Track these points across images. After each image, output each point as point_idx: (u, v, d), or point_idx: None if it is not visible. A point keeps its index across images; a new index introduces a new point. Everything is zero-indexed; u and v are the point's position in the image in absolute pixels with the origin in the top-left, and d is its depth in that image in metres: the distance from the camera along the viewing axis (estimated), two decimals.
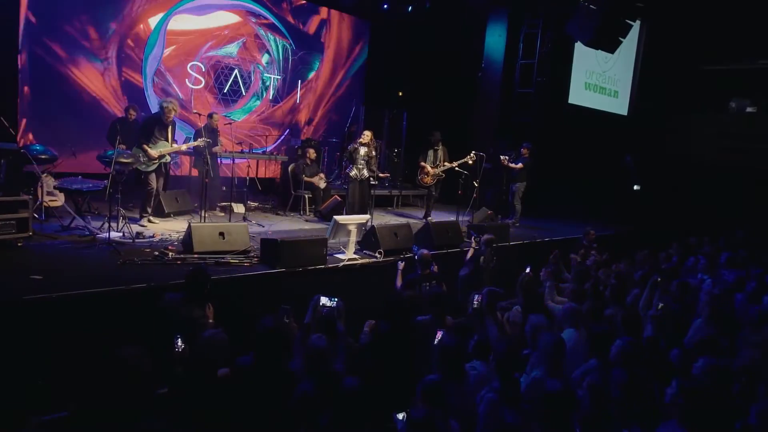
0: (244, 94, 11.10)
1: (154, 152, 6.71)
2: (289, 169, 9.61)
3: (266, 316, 3.71)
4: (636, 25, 15.74)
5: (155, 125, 6.79)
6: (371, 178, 8.55)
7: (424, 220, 10.18)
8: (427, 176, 10.04)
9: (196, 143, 6.97)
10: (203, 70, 10.47)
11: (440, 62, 13.16)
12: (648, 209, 13.58)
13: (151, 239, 6.45)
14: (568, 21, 11.01)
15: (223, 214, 8.61)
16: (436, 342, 3.93)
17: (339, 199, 9.17)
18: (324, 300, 4.04)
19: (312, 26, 12.14)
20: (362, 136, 8.58)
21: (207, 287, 4.45)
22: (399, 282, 5.93)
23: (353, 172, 8.48)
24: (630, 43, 15.82)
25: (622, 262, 7.95)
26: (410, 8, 13.10)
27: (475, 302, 4.44)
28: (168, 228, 7.22)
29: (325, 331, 3.87)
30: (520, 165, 10.74)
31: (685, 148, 15.49)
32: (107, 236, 6.06)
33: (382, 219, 9.82)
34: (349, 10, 12.48)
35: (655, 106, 16.32)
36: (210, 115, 8.40)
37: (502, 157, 10.65)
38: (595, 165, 14.52)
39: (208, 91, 10.59)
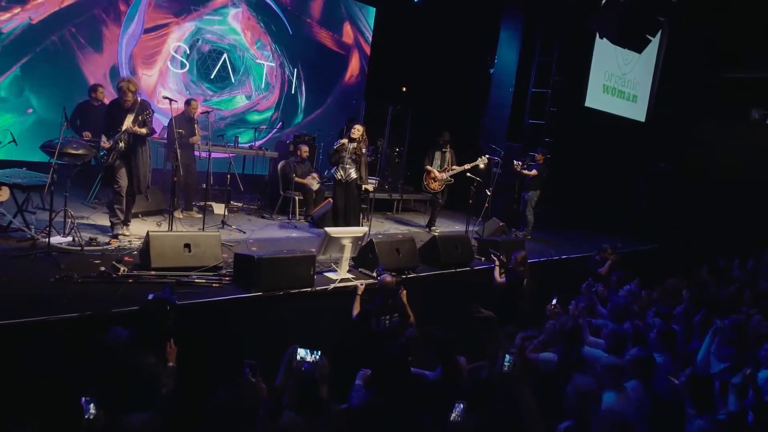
0: (233, 81, 10.02)
1: (105, 141, 5.59)
2: (279, 167, 8.55)
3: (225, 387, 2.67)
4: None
5: (114, 110, 5.71)
6: (358, 180, 7.28)
7: (427, 230, 9.17)
8: (435, 181, 9.01)
9: (141, 130, 5.72)
10: (188, 52, 9.39)
11: (449, 57, 12.12)
12: (668, 224, 12.58)
13: (105, 247, 5.39)
14: (591, 16, 10.03)
15: (200, 215, 7.54)
16: (453, 418, 2.89)
17: (333, 202, 8.13)
18: (302, 353, 2.99)
19: (314, 9, 11.04)
20: (352, 131, 7.27)
21: (168, 322, 3.43)
22: (355, 311, 4.83)
23: (338, 174, 7.21)
24: (651, 46, 14.84)
25: (654, 291, 6.93)
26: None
27: (506, 365, 3.37)
28: (133, 232, 6.17)
29: (302, 399, 2.83)
30: (534, 172, 9.73)
31: (707, 159, 14.46)
32: (50, 241, 4.99)
33: (381, 227, 8.79)
34: None
35: (674, 113, 15.31)
36: (187, 102, 7.34)
37: (515, 162, 9.63)
38: (612, 174, 13.56)
39: (193, 75, 9.51)
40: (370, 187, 7.53)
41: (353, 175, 7.20)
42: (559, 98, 12.33)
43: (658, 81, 15.43)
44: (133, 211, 6.86)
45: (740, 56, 14.25)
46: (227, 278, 4.82)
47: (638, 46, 10.26)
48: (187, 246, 4.84)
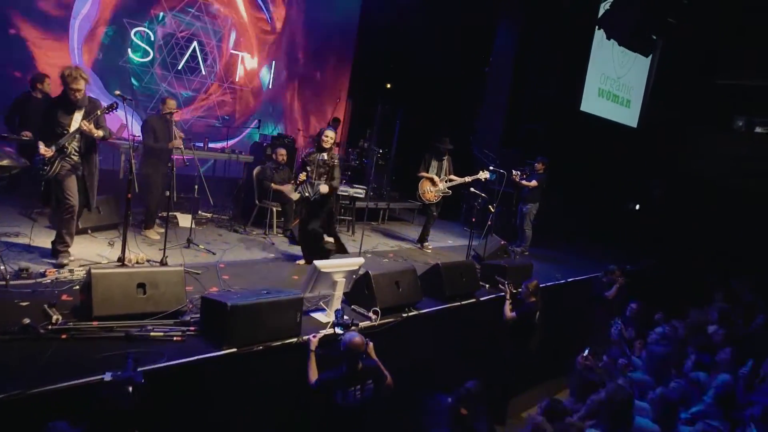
0: (203, 72, 8.91)
1: (44, 148, 4.49)
2: (254, 172, 7.53)
3: None
4: None
5: (58, 108, 4.62)
6: (329, 195, 5.86)
7: (419, 245, 8.28)
8: (431, 192, 8.11)
9: (97, 131, 4.64)
10: (152, 38, 8.25)
11: (441, 53, 11.20)
12: (667, 238, 11.95)
13: (38, 280, 4.32)
14: (601, 16, 9.29)
15: (162, 230, 6.49)
16: None
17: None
18: None
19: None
20: (322, 139, 5.86)
21: (131, 408, 2.54)
22: (312, 376, 3.79)
23: (306, 191, 5.86)
24: None
25: (682, 325, 6.16)
26: None
27: None
28: (79, 254, 5.10)
29: None
30: (534, 183, 8.93)
31: (703, 169, 13.90)
32: None
33: (369, 242, 7.86)
34: None
35: (666, 120, 14.76)
36: (162, 101, 6.23)
37: (514, 172, 8.78)
38: (607, 184, 12.91)
39: (157, 65, 8.38)
40: (324, 188, 5.75)
41: (323, 190, 5.79)
42: (557, 102, 11.62)
43: (651, 86, 14.92)
44: (81, 227, 5.82)
45: (731, 62, 13.74)
46: (192, 328, 3.81)
47: (645, 49, 9.66)
48: (142, 286, 3.81)
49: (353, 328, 3.83)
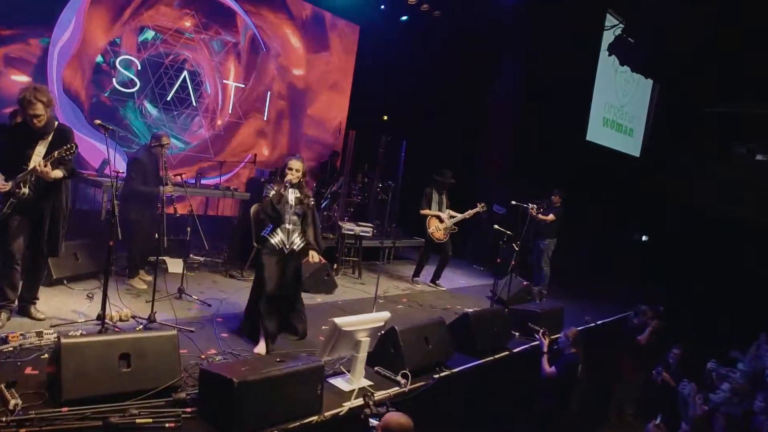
0: (194, 104, 8.27)
1: (2, 183, 3.76)
2: (252, 211, 6.76)
3: None
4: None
5: (17, 137, 3.89)
6: (306, 246, 4.52)
7: (432, 285, 7.61)
8: (439, 230, 7.49)
9: (55, 172, 3.87)
10: (139, 68, 7.61)
11: (442, 83, 10.72)
12: (683, 271, 11.30)
13: (2, 345, 3.54)
14: (613, 42, 8.90)
15: (149, 278, 5.72)
16: None
17: (323, 260, 6.45)
18: None
19: (291, 26, 9.44)
20: (287, 170, 4.50)
21: None
22: None
23: (275, 238, 4.42)
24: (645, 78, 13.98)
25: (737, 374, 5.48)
26: (405, 18, 10.72)
27: None
28: (51, 311, 4.33)
29: None
30: (551, 216, 8.32)
31: (705, 199, 13.38)
32: None
33: (381, 287, 7.13)
34: (338, 11, 9.87)
35: (667, 149, 14.36)
36: (155, 137, 5.44)
37: (530, 206, 8.16)
38: (612, 215, 12.36)
39: (144, 96, 7.72)
40: (317, 258, 4.61)
41: (297, 240, 4.46)
42: (562, 132, 11.18)
43: (653, 114, 14.61)
44: (55, 277, 5.06)
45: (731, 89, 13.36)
46: (189, 409, 3.05)
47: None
48: (125, 358, 3.06)
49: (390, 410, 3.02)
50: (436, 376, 4.33)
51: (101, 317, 4.13)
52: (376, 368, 4.16)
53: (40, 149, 3.86)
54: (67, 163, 3.96)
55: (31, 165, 3.82)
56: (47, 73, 6.75)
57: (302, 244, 4.47)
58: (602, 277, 10.50)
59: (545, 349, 5.39)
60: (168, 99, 7.95)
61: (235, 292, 5.86)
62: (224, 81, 8.58)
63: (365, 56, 10.51)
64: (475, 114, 11.24)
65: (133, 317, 4.48)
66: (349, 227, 7.31)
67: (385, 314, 4.02)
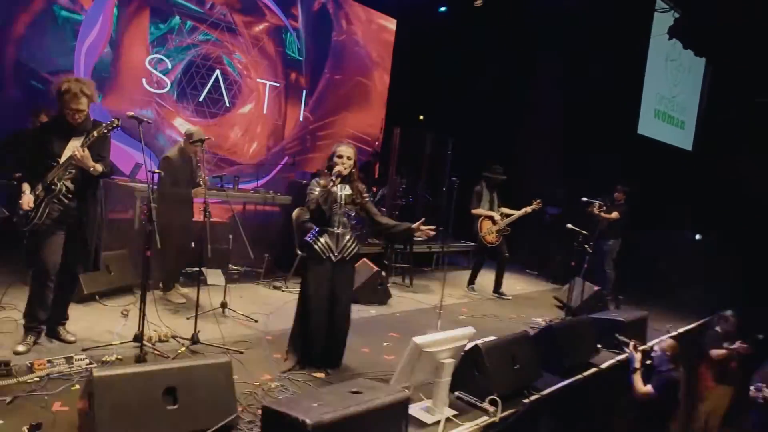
0: (227, 104, 7.78)
1: (27, 197, 3.32)
2: (294, 215, 6.27)
3: None
4: None
5: (50, 134, 3.41)
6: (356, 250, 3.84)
7: (495, 295, 6.98)
8: (492, 233, 6.86)
9: (96, 165, 3.41)
10: (169, 67, 7.16)
11: (483, 76, 10.08)
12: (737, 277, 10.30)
13: (23, 378, 3.01)
14: (674, 23, 8.19)
15: (186, 291, 5.21)
16: None
17: (376, 268, 5.86)
18: None
19: (324, 22, 8.93)
20: (336, 158, 3.72)
21: None
22: None
23: (320, 243, 3.70)
24: (696, 67, 13.15)
25: None
26: (444, 8, 10.11)
27: None
28: (82, 332, 3.82)
29: None
30: (615, 214, 7.60)
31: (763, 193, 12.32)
32: None
33: (428, 294, 6.51)
34: (375, 4, 9.33)
35: (722, 141, 13.37)
36: (188, 135, 4.93)
37: (593, 203, 7.44)
38: (664, 212, 11.52)
39: (176, 97, 7.26)
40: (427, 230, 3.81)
41: (349, 246, 3.75)
42: (613, 125, 10.46)
43: (705, 104, 13.74)
44: (86, 292, 4.56)
45: None
46: None
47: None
48: (170, 393, 2.49)
49: None
50: (526, 400, 3.68)
51: (138, 338, 3.60)
52: (457, 393, 3.54)
53: (75, 143, 3.36)
54: (105, 157, 3.48)
55: (65, 157, 3.34)
56: (75, 71, 6.31)
57: (354, 250, 3.80)
58: (659, 279, 9.66)
59: (637, 365, 4.70)
60: (200, 99, 7.48)
61: (281, 306, 5.29)
62: (258, 79, 8.08)
63: (403, 50, 9.92)
64: (519, 109, 10.57)
65: (174, 337, 3.95)
66: None
67: (469, 330, 3.40)
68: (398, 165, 8.47)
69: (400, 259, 7.29)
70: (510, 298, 7.06)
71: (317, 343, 3.68)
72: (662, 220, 11.35)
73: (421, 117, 11.08)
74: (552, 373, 4.19)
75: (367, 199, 3.83)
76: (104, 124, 3.35)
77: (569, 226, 6.06)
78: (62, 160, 3.36)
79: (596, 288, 6.53)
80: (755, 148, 11.86)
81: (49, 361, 3.20)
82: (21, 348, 3.40)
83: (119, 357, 3.47)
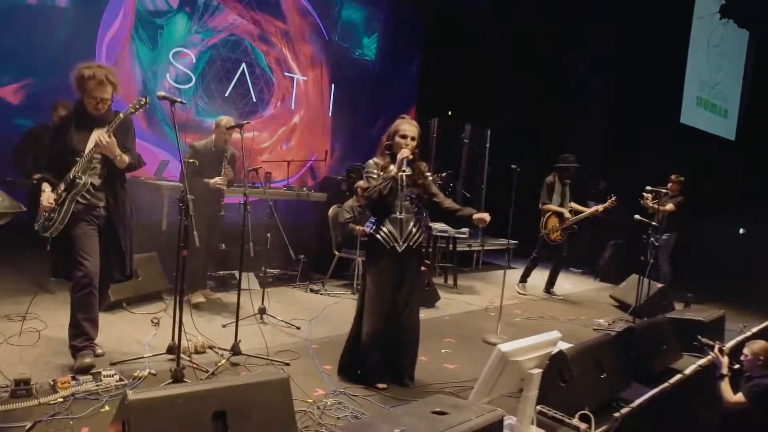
0: (254, 99, 7.40)
1: (47, 194, 2.94)
2: (330, 214, 5.86)
3: None
4: (744, 35, 12.39)
5: (70, 127, 3.02)
6: (423, 242, 3.49)
7: (546, 294, 6.47)
8: (556, 231, 6.35)
9: (123, 156, 3.03)
10: (193, 61, 6.79)
11: (516, 62, 9.58)
12: None
13: (45, 399, 2.61)
14: (726, 3, 7.62)
15: (217, 296, 4.81)
16: None
17: (423, 268, 5.40)
18: None
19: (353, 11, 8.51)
20: (399, 138, 3.24)
21: None
22: None
23: (383, 232, 3.23)
24: (738, 54, 12.48)
25: None
26: None
27: None
28: (109, 344, 3.42)
29: None
30: (670, 206, 7.03)
31: None
32: None
33: (473, 295, 6.04)
34: None
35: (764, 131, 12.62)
36: (217, 124, 4.59)
37: (644, 195, 6.91)
38: (707, 206, 10.86)
39: (201, 92, 6.89)
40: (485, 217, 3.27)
41: (414, 233, 3.27)
42: (656, 115, 9.91)
43: (747, 93, 13.05)
44: (113, 299, 4.19)
45: None
46: None
47: None
48: (220, 417, 2.05)
49: None
50: (617, 414, 3.19)
51: (173, 349, 3.18)
52: (539, 408, 3.06)
53: (98, 134, 2.97)
54: (132, 149, 3.09)
55: (89, 148, 2.96)
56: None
57: (420, 239, 3.32)
58: (716, 274, 9.03)
59: (725, 371, 4.15)
60: (226, 95, 7.10)
61: (322, 311, 4.86)
62: (285, 73, 7.69)
63: (434, 32, 9.43)
64: (561, 101, 10.04)
65: (211, 347, 3.53)
66: (442, 228, 6.24)
67: (555, 335, 2.92)
68: (435, 159, 8.03)
69: (443, 258, 6.82)
70: (562, 297, 6.56)
71: (383, 351, 3.25)
72: (704, 213, 10.73)
73: (450, 113, 10.62)
74: (637, 381, 3.68)
75: (429, 178, 3.36)
76: (131, 105, 2.95)
77: (637, 217, 5.53)
78: (86, 152, 2.97)
79: (660, 285, 5.98)
80: None
81: (74, 378, 2.80)
82: (86, 360, 2.96)
83: (152, 372, 3.06)
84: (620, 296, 6.30)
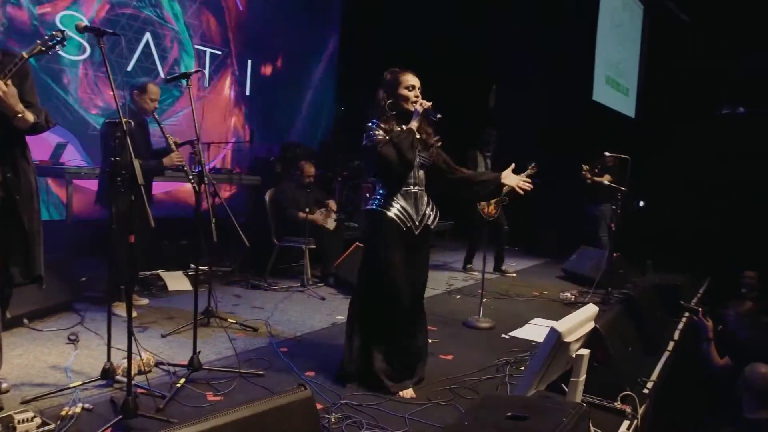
0: (161, 73, 6.42)
1: None
2: (267, 197, 5.13)
3: None
4: (639, 11, 13.07)
5: None
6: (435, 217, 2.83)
7: (498, 274, 6.16)
8: (490, 204, 6.00)
9: (27, 114, 2.09)
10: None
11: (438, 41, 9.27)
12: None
13: None
14: None
15: (145, 302, 3.98)
16: None
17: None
18: None
19: None
20: (405, 90, 2.66)
21: None
22: None
23: (394, 209, 2.63)
24: (634, 31, 13.10)
25: None
26: None
27: None
28: (16, 375, 2.55)
29: None
30: (607, 176, 6.99)
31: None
32: None
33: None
34: None
35: (662, 108, 13.26)
36: (141, 88, 3.72)
37: (584, 166, 6.84)
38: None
39: (98, 66, 5.83)
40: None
41: (429, 211, 2.75)
42: (569, 92, 10.13)
43: (644, 71, 13.74)
44: (9, 315, 3.24)
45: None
46: None
47: None
48: None
49: None
50: (645, 390, 2.85)
51: (110, 372, 2.41)
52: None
53: None
54: (35, 103, 2.26)
55: None
56: None
57: (437, 218, 2.77)
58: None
59: (710, 335, 4.02)
60: (129, 68, 6.08)
61: (274, 308, 4.17)
62: (196, 46, 6.77)
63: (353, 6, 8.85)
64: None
65: (159, 364, 2.77)
66: None
67: (593, 308, 2.49)
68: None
69: None
70: (515, 275, 6.30)
71: (399, 350, 2.71)
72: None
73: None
74: (645, 352, 3.39)
75: (438, 143, 2.79)
76: (39, 42, 2.13)
77: (605, 182, 5.34)
78: None
79: (616, 254, 5.85)
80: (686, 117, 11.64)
81: None
82: None
83: (86, 406, 2.27)
84: (571, 268, 6.15)
